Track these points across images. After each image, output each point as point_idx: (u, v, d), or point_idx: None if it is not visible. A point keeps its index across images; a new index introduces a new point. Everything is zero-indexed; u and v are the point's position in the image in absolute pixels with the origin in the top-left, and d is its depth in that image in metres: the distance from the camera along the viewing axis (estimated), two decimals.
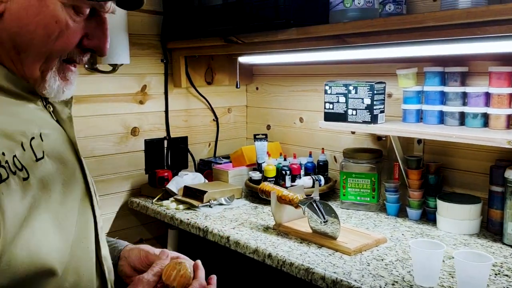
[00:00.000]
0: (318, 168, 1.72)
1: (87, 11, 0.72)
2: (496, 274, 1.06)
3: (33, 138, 0.70)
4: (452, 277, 1.01)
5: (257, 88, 2.10)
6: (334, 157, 1.79)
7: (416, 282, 1.02)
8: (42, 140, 0.71)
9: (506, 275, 1.05)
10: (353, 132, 1.73)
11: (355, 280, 1.03)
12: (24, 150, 0.67)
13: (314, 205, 1.28)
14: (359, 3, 1.25)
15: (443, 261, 1.10)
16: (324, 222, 1.26)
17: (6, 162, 0.64)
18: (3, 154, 0.64)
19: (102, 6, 0.73)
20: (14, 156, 0.66)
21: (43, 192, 0.68)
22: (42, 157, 0.70)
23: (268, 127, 2.07)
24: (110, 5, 0.75)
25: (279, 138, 2.00)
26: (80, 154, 0.78)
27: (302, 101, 1.90)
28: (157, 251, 0.91)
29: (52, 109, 0.78)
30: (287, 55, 1.62)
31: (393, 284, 1.01)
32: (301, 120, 1.92)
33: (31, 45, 0.70)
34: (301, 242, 1.27)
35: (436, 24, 1.04)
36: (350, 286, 1.02)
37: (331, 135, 1.80)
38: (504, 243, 1.24)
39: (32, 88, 0.74)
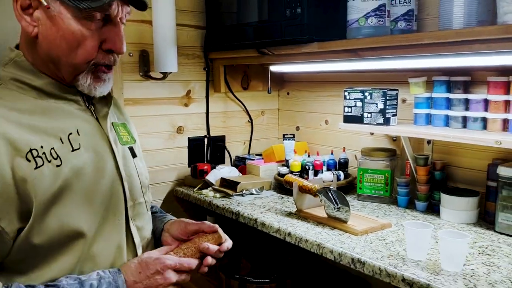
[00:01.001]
0: (339, 165, 1.93)
1: (98, 16, 0.88)
2: (479, 253, 1.24)
3: (70, 133, 0.90)
4: (439, 252, 1.20)
5: (288, 93, 2.34)
6: (355, 155, 2.00)
7: (408, 256, 1.22)
8: (79, 135, 0.91)
9: (488, 254, 1.24)
10: (371, 133, 1.93)
11: (357, 253, 1.25)
12: (62, 143, 0.88)
13: (329, 193, 1.50)
14: (371, 22, 1.46)
15: (436, 242, 1.29)
16: (337, 208, 1.48)
17: (44, 153, 0.84)
18: (42, 147, 0.85)
19: (108, 10, 0.88)
20: (52, 148, 0.86)
21: (76, 176, 0.88)
22: (78, 148, 0.90)
23: (297, 128, 2.30)
24: (117, 10, 0.89)
25: (307, 138, 2.23)
26: (113, 145, 0.97)
27: (327, 105, 2.12)
28: (195, 222, 1.14)
29: (93, 108, 0.98)
30: (310, 65, 1.86)
31: (388, 257, 1.22)
32: (326, 122, 2.14)
33: (61, 57, 0.89)
34: (317, 225, 1.50)
35: (431, 41, 1.24)
36: (352, 257, 1.24)
37: (352, 136, 2.01)
38: (495, 231, 1.41)
39: (74, 92, 0.94)
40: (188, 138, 2.10)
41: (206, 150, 2.16)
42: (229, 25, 1.91)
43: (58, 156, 0.87)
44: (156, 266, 0.94)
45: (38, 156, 0.84)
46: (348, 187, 1.89)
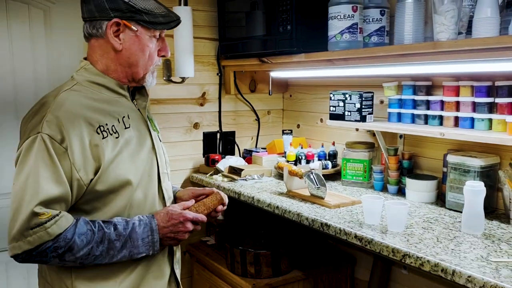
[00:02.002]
0: (329, 156, 2.27)
1: (157, 35, 1.31)
2: (423, 221, 1.57)
3: (124, 116, 1.29)
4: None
5: (290, 96, 2.69)
6: (344, 148, 2.33)
7: (365, 221, 1.56)
8: (129, 118, 1.30)
9: (430, 222, 1.56)
10: (356, 129, 2.27)
11: (325, 219, 1.60)
12: (119, 122, 1.27)
13: (311, 176, 1.85)
14: (345, 37, 1.81)
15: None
16: (317, 187, 1.82)
17: (108, 129, 1.23)
18: (106, 124, 1.23)
19: (161, 33, 1.33)
20: (113, 125, 1.25)
21: (126, 145, 1.26)
22: (129, 127, 1.29)
23: (298, 126, 2.65)
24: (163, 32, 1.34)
25: (306, 134, 2.58)
26: (150, 128, 1.36)
27: (321, 105, 2.46)
28: (199, 188, 1.52)
29: (136, 102, 1.37)
30: (299, 72, 2.23)
31: (349, 222, 1.56)
32: (321, 120, 2.48)
33: (138, 62, 1.29)
34: (300, 201, 1.85)
35: (385, 54, 1.58)
36: (321, 222, 1.59)
37: (342, 131, 2.34)
38: (446, 207, 1.72)
39: (125, 89, 1.32)
40: (203, 133, 2.48)
41: (218, 143, 2.54)
42: (237, 38, 2.28)
43: (116, 131, 1.25)
44: (179, 218, 1.29)
45: (104, 130, 1.22)
46: (336, 175, 2.23)
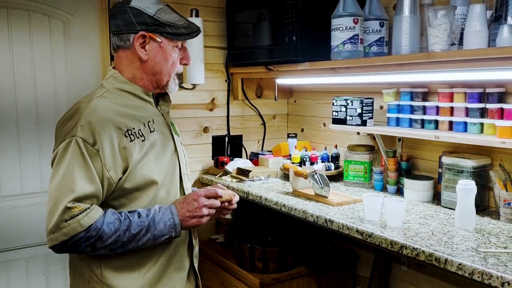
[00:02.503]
0: (332, 159, 2.40)
1: (179, 46, 1.43)
2: (420, 218, 1.70)
3: (149, 121, 1.41)
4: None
5: (295, 101, 2.83)
6: (345, 151, 2.46)
7: (366, 217, 1.69)
8: (153, 123, 1.43)
9: (426, 219, 1.69)
10: (358, 133, 2.40)
11: (329, 215, 1.73)
12: (145, 126, 1.39)
13: (316, 176, 1.98)
14: (347, 48, 1.95)
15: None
16: (321, 187, 1.95)
17: (135, 132, 1.35)
18: (133, 128, 1.35)
19: (183, 43, 1.45)
20: (139, 129, 1.37)
21: (151, 148, 1.39)
22: (153, 131, 1.41)
23: (302, 130, 2.78)
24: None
25: (309, 138, 2.71)
26: (173, 132, 1.49)
27: (324, 111, 2.59)
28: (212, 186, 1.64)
29: (159, 108, 1.50)
30: (303, 79, 2.36)
31: (351, 218, 1.69)
32: (324, 124, 2.62)
33: (162, 70, 1.42)
34: (305, 200, 1.98)
35: (383, 63, 1.72)
36: (325, 218, 1.72)
37: (344, 135, 2.47)
38: (441, 205, 1.85)
39: (150, 96, 1.45)
40: (212, 136, 2.62)
41: (226, 146, 2.67)
42: (245, 47, 2.42)
43: (142, 134, 1.38)
44: (193, 196, 1.40)
45: (132, 134, 1.35)
46: (338, 176, 2.36)
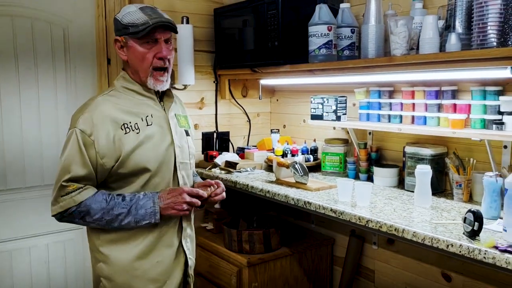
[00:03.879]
0: (311, 151, 2.66)
1: (150, 41, 1.54)
2: (385, 199, 1.96)
3: (147, 116, 1.62)
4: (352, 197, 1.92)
5: (277, 100, 3.08)
6: (323, 144, 2.72)
7: (339, 199, 1.95)
8: (152, 117, 1.62)
9: (390, 200, 1.95)
10: (334, 128, 2.66)
11: (308, 198, 1.98)
12: (142, 120, 1.59)
13: (296, 166, 2.23)
14: (322, 52, 2.20)
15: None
16: (301, 175, 2.20)
17: (130, 126, 1.55)
18: (130, 122, 1.56)
19: (153, 37, 1.53)
20: (136, 123, 1.57)
21: (147, 139, 1.57)
22: (151, 124, 1.61)
23: (284, 126, 3.04)
24: (159, 35, 1.53)
25: (291, 133, 2.97)
26: (171, 126, 1.66)
27: (304, 108, 2.85)
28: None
29: (163, 103, 1.70)
30: (285, 79, 2.62)
31: (326, 200, 1.95)
32: (304, 121, 2.87)
33: (138, 68, 1.60)
34: (287, 187, 2.23)
35: (353, 66, 1.98)
36: (304, 201, 1.97)
37: (322, 130, 2.73)
38: (404, 189, 2.13)
39: (152, 93, 1.64)
40: (202, 132, 2.85)
41: (215, 142, 2.90)
42: (232, 51, 2.67)
43: (138, 127, 1.58)
44: (178, 191, 1.60)
45: (127, 127, 1.56)
46: (317, 166, 2.62)
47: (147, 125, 1.60)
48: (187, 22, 2.60)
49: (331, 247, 2.67)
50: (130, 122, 1.57)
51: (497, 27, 1.60)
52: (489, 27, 1.62)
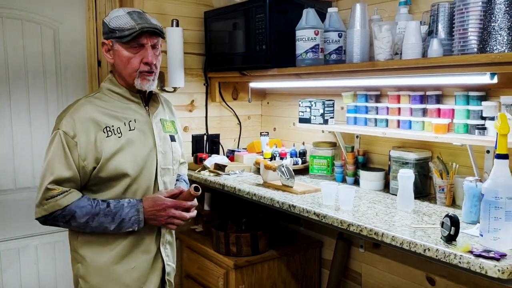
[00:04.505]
0: (300, 154, 2.67)
1: (136, 45, 1.54)
2: (369, 203, 1.97)
3: (130, 120, 1.62)
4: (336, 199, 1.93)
5: (268, 103, 3.10)
6: (311, 147, 2.73)
7: (323, 202, 1.96)
8: (135, 122, 1.63)
9: (374, 203, 1.97)
10: (323, 131, 2.68)
11: (292, 201, 1.99)
12: (124, 125, 1.60)
13: (283, 169, 2.24)
14: (309, 56, 2.22)
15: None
16: (287, 178, 2.22)
17: (113, 129, 1.56)
18: (112, 126, 1.57)
19: (139, 41, 1.53)
20: (119, 127, 1.58)
21: (128, 144, 1.58)
22: (133, 129, 1.62)
23: (274, 129, 3.05)
24: (145, 40, 1.54)
25: (281, 136, 2.98)
26: (154, 131, 1.66)
27: (294, 111, 2.86)
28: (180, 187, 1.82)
29: (147, 108, 1.71)
30: (273, 83, 2.64)
31: (311, 203, 1.96)
32: (294, 124, 2.89)
33: (123, 71, 1.61)
34: (274, 190, 2.24)
35: (338, 70, 2.00)
36: (289, 204, 1.98)
37: (311, 133, 2.75)
38: (389, 193, 2.14)
39: (138, 97, 1.65)
40: (192, 135, 2.86)
41: (205, 144, 2.92)
42: (221, 54, 2.68)
43: (120, 132, 1.59)
44: (162, 206, 1.60)
45: (109, 130, 1.57)
46: (305, 170, 2.63)
47: (129, 130, 1.61)
48: (177, 25, 2.61)
49: (319, 250, 2.68)
50: (112, 126, 1.58)
51: (477, 33, 1.61)
52: (469, 33, 1.63)
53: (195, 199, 1.70)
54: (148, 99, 1.72)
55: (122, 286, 1.63)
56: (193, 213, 1.69)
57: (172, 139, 1.76)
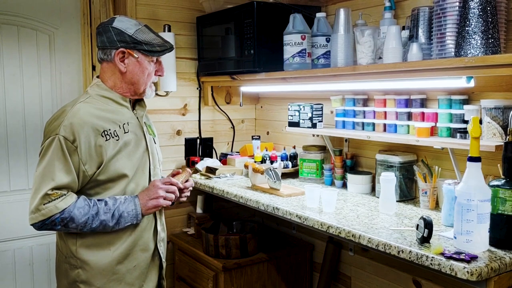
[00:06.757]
0: (290, 158, 2.69)
1: (155, 60, 1.72)
2: (353, 206, 1.99)
3: (124, 123, 1.68)
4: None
5: (261, 107, 3.13)
6: (301, 151, 2.75)
7: (307, 205, 1.98)
8: (128, 125, 1.69)
9: (358, 206, 1.98)
10: (313, 135, 2.69)
11: (277, 204, 2.01)
12: (120, 128, 1.65)
13: (270, 172, 2.27)
14: (296, 60, 2.24)
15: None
16: (274, 181, 2.24)
17: (110, 133, 1.61)
18: (109, 129, 1.61)
19: (158, 58, 1.73)
20: (115, 130, 1.63)
21: (124, 146, 1.65)
22: (127, 132, 1.68)
23: (268, 132, 3.08)
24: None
25: (274, 140, 3.01)
26: (145, 133, 1.75)
27: (286, 115, 2.88)
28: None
29: (136, 112, 1.77)
30: (262, 87, 2.67)
31: (295, 206, 1.98)
32: (285, 127, 2.91)
33: (139, 80, 1.68)
34: (261, 192, 2.26)
35: (322, 74, 2.02)
36: (273, 206, 2.00)
37: (302, 137, 2.77)
38: (376, 196, 2.15)
39: (127, 102, 1.72)
40: (185, 138, 2.90)
41: (198, 148, 2.95)
42: (213, 58, 2.72)
43: (117, 135, 1.64)
44: (152, 186, 1.69)
45: (107, 134, 1.61)
46: (295, 173, 2.65)
47: (125, 132, 1.67)
48: (169, 30, 2.66)
49: (310, 253, 2.69)
50: (109, 129, 1.62)
51: (454, 37, 1.63)
52: (447, 37, 1.65)
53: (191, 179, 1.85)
54: (134, 104, 1.76)
55: (125, 285, 1.68)
56: (189, 183, 1.82)
57: (155, 141, 1.84)
